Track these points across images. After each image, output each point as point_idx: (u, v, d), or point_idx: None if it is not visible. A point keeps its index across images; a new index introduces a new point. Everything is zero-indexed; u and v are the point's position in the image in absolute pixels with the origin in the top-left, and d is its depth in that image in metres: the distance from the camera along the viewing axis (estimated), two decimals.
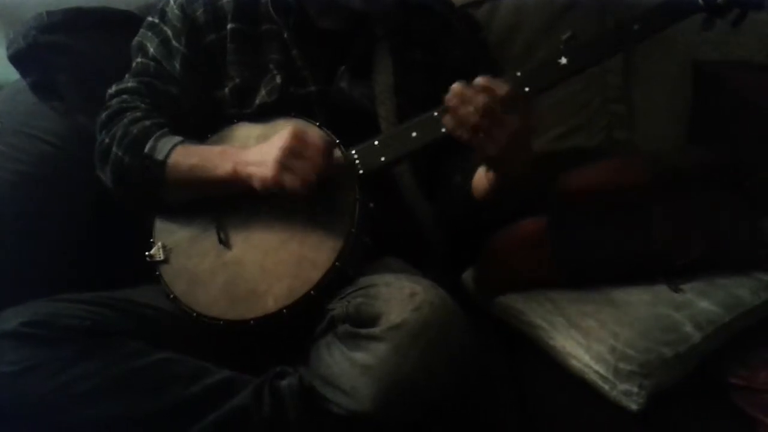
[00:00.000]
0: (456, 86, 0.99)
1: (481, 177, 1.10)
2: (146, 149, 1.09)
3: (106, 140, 1.14)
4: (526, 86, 1.04)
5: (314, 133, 1.05)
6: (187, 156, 1.09)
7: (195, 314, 1.05)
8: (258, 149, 1.05)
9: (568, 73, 1.03)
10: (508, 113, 0.98)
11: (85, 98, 1.27)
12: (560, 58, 1.03)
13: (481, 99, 0.97)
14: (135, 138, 1.11)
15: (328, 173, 1.04)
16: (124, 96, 1.17)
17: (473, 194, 1.13)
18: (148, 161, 1.09)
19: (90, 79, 1.28)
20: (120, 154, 1.11)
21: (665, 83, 1.52)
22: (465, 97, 0.98)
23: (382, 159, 1.07)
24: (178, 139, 1.10)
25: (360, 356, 0.90)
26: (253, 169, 1.03)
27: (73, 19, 1.32)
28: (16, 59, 1.28)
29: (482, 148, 1.00)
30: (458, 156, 1.17)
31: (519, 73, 1.06)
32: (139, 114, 1.14)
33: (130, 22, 1.32)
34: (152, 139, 1.10)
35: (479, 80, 0.99)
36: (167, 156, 1.08)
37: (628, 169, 1.24)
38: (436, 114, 1.06)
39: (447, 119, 1.01)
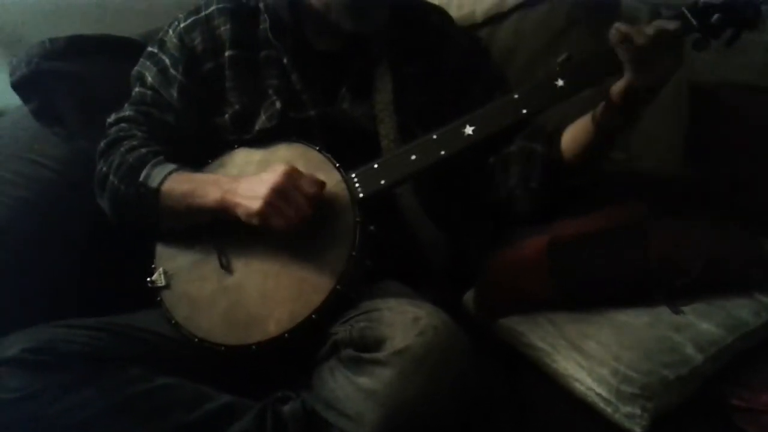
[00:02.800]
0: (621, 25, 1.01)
1: (578, 134, 1.11)
2: (141, 177, 1.10)
3: (104, 169, 1.15)
4: (524, 108, 1.05)
5: (307, 180, 1.05)
6: (179, 183, 1.10)
7: (197, 339, 1.05)
8: (249, 182, 1.06)
9: (565, 95, 1.04)
10: (669, 47, 1.00)
11: (87, 124, 1.28)
12: (557, 80, 1.04)
13: (650, 29, 0.99)
14: (131, 166, 1.12)
15: (317, 213, 1.04)
16: (122, 125, 1.19)
17: (564, 158, 1.14)
18: (142, 189, 1.10)
19: (92, 105, 1.29)
20: (116, 182, 1.12)
21: (662, 104, 1.52)
22: (634, 28, 1.00)
23: (382, 182, 1.08)
24: (172, 166, 1.11)
25: (364, 381, 0.91)
26: (240, 200, 1.04)
27: (75, 46, 1.33)
28: (18, 86, 1.29)
29: (638, 69, 1.00)
30: (523, 131, 1.18)
31: (516, 95, 1.07)
32: (135, 143, 1.15)
33: (132, 48, 1.33)
34: (147, 167, 1.11)
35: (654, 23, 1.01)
36: (161, 183, 1.09)
37: (623, 213, 1.24)
38: (434, 137, 1.07)
39: (613, 32, 1.01)
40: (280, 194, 1.02)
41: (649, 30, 0.99)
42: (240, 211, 1.04)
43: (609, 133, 1.09)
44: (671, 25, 1.01)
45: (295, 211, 1.02)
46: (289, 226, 1.02)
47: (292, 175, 1.03)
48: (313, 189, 1.04)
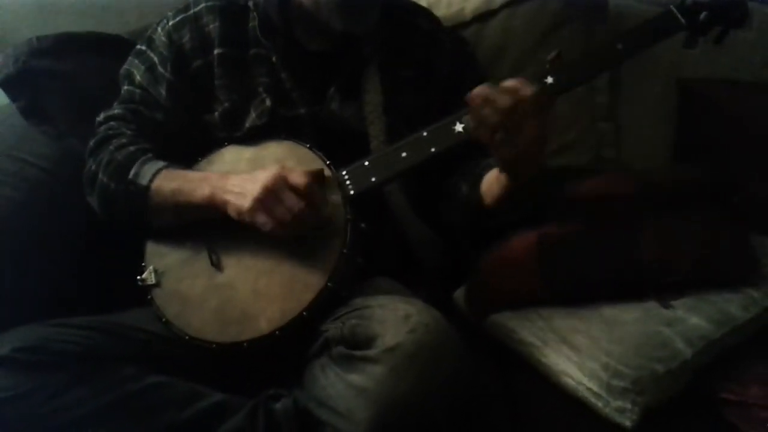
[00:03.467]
0: (480, 87, 0.99)
1: (492, 183, 1.10)
2: (130, 175, 1.10)
3: (93, 167, 1.15)
4: None
5: (299, 175, 1.03)
6: (169, 181, 1.09)
7: (188, 337, 1.05)
8: (240, 179, 1.05)
9: (554, 92, 1.05)
10: (528, 115, 0.97)
11: (76, 122, 1.27)
12: (546, 78, 1.04)
13: (504, 100, 0.96)
14: (120, 164, 1.11)
15: (307, 226, 1.03)
16: (111, 123, 1.18)
17: (482, 201, 1.13)
18: (132, 186, 1.10)
19: (80, 104, 1.29)
20: (105, 180, 1.12)
21: (651, 101, 1.54)
22: (489, 97, 0.97)
23: (373, 179, 1.08)
24: (161, 164, 1.11)
25: (355, 378, 0.90)
26: (230, 198, 1.04)
27: (63, 44, 1.32)
28: (6, 84, 1.28)
29: (500, 149, 0.99)
30: (461, 166, 1.18)
31: None
32: (124, 140, 1.15)
33: (121, 46, 1.32)
34: (136, 164, 1.11)
35: (507, 82, 0.98)
36: (150, 181, 1.09)
37: (616, 181, 1.25)
38: (425, 134, 1.07)
39: (467, 119, 1.01)
40: (272, 194, 1.01)
41: (500, 100, 0.96)
42: (230, 209, 1.04)
43: (509, 190, 1.07)
44: (527, 90, 0.97)
45: (286, 211, 1.01)
46: (275, 228, 1.02)
47: (284, 177, 1.03)
48: (305, 188, 1.02)
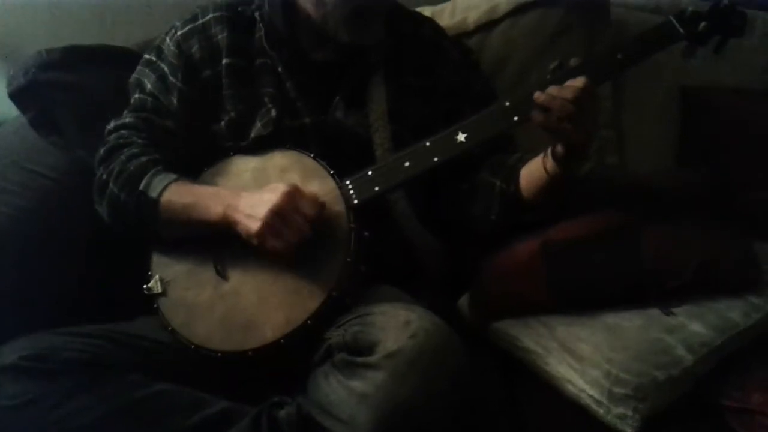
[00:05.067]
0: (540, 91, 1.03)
1: (535, 175, 1.12)
2: (141, 186, 1.11)
3: (104, 176, 1.15)
4: (515, 115, 1.06)
5: (308, 202, 1.05)
6: (180, 195, 1.10)
7: (193, 346, 1.06)
8: (250, 198, 1.06)
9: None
10: (590, 102, 1.02)
11: (84, 133, 1.28)
12: (548, 88, 1.05)
13: (569, 91, 1.01)
14: (131, 174, 1.12)
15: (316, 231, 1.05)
16: (122, 131, 1.19)
17: (520, 194, 1.15)
18: (142, 197, 1.10)
19: (89, 115, 1.30)
20: (116, 190, 1.13)
21: (654, 108, 1.54)
22: (554, 92, 1.02)
23: (376, 189, 1.09)
24: (172, 176, 1.12)
25: (357, 385, 0.91)
26: (240, 218, 1.05)
27: (71, 56, 1.33)
28: (15, 96, 1.30)
29: (572, 136, 1.03)
30: (491, 163, 1.19)
31: (508, 103, 1.08)
32: (136, 150, 1.16)
33: (128, 58, 1.34)
34: (147, 176, 1.11)
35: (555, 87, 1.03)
36: (160, 194, 1.10)
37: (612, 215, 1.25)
38: (427, 144, 1.08)
39: (536, 114, 1.04)
40: (279, 216, 1.02)
41: (567, 92, 1.01)
42: (240, 229, 1.05)
43: (556, 181, 1.10)
44: (579, 82, 1.02)
45: (294, 234, 1.03)
46: (286, 249, 1.03)
47: (293, 196, 1.04)
48: (313, 210, 1.05)
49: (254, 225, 1.03)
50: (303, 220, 1.03)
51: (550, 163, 1.09)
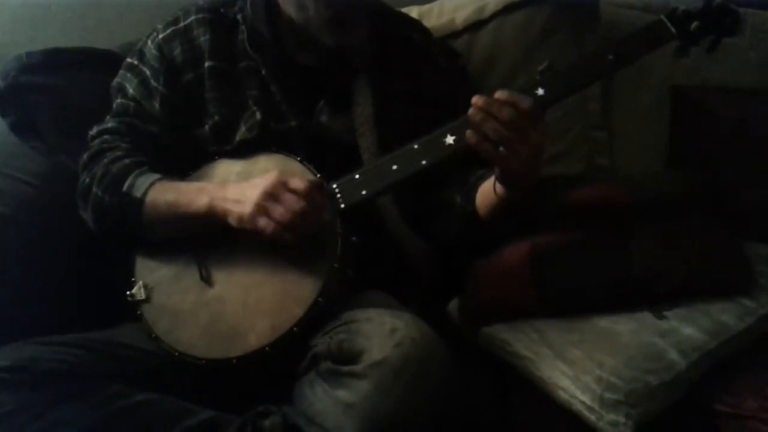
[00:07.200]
0: (478, 99, 0.99)
1: (487, 194, 1.10)
2: (125, 187, 1.09)
3: (87, 180, 1.14)
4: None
5: (299, 179, 1.04)
6: (164, 193, 1.09)
7: (177, 353, 1.04)
8: (238, 187, 1.05)
9: (545, 104, 1.04)
10: (530, 126, 0.98)
11: (66, 138, 1.27)
12: (537, 89, 1.03)
13: (506, 113, 0.97)
14: (114, 176, 1.11)
15: (309, 227, 1.03)
16: (105, 136, 1.18)
17: (477, 213, 1.13)
18: (126, 198, 1.09)
19: (70, 119, 1.28)
20: (99, 193, 1.11)
21: (644, 109, 1.54)
22: (489, 110, 0.98)
23: (363, 192, 1.07)
24: (156, 176, 1.10)
25: (342, 394, 0.90)
26: (230, 206, 1.03)
27: (53, 59, 1.32)
28: None
29: (504, 162, 1.00)
30: (454, 176, 1.18)
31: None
32: (119, 153, 1.14)
33: (111, 61, 1.32)
34: (131, 177, 1.10)
35: (501, 94, 0.99)
36: (145, 194, 1.08)
37: (611, 191, 1.24)
38: (416, 146, 1.07)
39: (469, 134, 1.00)
40: (272, 197, 1.01)
41: (504, 113, 0.97)
42: (230, 217, 1.03)
43: (505, 203, 1.08)
44: (523, 102, 0.98)
45: (288, 210, 1.01)
46: (275, 231, 1.01)
47: (284, 180, 1.03)
48: (304, 185, 1.02)
49: (246, 208, 1.01)
50: (295, 197, 1.01)
51: (498, 185, 1.07)
